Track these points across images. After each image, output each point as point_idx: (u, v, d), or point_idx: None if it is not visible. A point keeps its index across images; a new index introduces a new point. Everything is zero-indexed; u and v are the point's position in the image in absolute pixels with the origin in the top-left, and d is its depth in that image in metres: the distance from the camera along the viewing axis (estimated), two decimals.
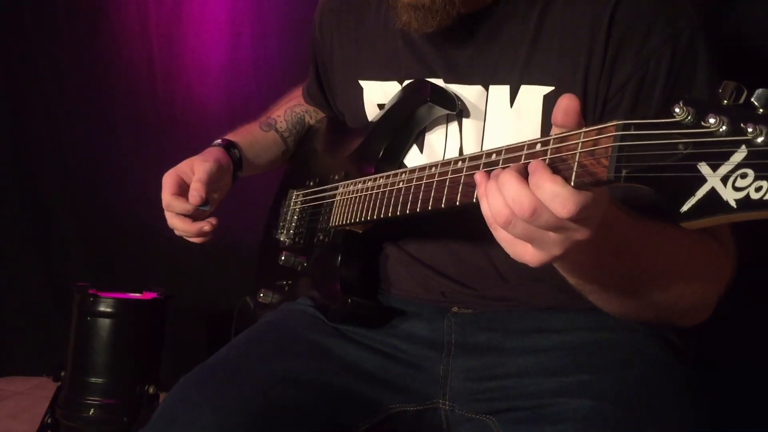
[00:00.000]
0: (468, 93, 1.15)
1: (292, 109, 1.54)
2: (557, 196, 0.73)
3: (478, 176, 0.82)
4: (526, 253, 0.80)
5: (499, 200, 0.77)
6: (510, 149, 0.84)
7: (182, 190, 1.27)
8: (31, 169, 2.80)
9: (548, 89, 1.08)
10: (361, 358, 1.17)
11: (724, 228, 1.04)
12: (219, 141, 1.40)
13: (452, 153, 1.17)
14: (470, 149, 1.14)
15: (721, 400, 1.07)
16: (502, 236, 0.81)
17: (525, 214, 0.75)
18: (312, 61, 1.47)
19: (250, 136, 1.46)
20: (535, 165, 0.76)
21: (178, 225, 1.27)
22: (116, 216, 2.74)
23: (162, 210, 1.28)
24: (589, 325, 1.11)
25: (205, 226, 1.27)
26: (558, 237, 0.77)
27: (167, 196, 1.26)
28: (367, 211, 1.12)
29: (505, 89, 1.11)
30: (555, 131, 0.79)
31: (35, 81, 2.75)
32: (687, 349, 1.16)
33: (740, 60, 1.49)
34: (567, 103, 0.77)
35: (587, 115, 1.06)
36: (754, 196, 0.58)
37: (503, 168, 0.79)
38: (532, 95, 1.09)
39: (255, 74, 2.51)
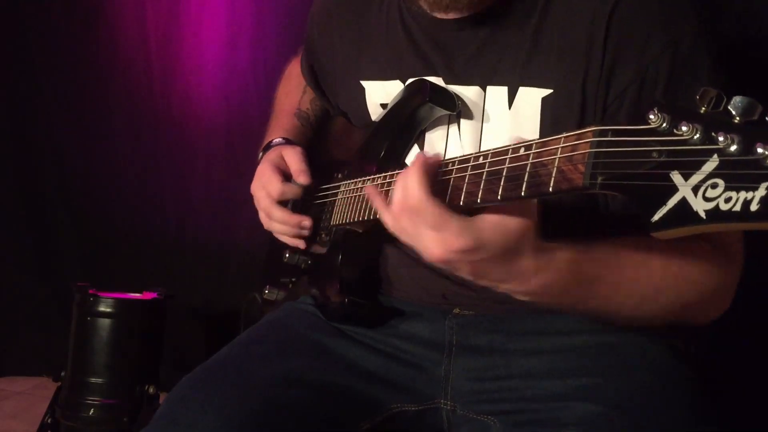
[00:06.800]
0: (467, 94, 1.14)
1: (315, 102, 1.51)
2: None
3: (369, 189, 0.96)
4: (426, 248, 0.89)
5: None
6: (496, 153, 0.85)
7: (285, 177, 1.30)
8: (30, 170, 2.80)
9: (547, 92, 1.06)
10: (362, 357, 1.17)
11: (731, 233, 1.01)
12: (280, 140, 1.39)
13: (454, 153, 1.15)
14: (468, 150, 1.13)
15: (723, 403, 1.06)
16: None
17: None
18: (307, 58, 1.45)
19: (297, 133, 1.45)
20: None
21: (280, 226, 1.30)
22: (116, 216, 2.74)
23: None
24: (592, 328, 1.10)
25: (305, 220, 1.28)
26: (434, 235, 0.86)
27: (279, 185, 1.28)
28: (366, 210, 1.12)
29: (503, 90, 1.09)
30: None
31: (33, 82, 2.75)
32: (691, 354, 1.15)
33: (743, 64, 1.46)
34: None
35: (587, 121, 1.04)
36: (724, 207, 0.57)
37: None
38: (531, 97, 1.07)
39: (253, 75, 2.51)
